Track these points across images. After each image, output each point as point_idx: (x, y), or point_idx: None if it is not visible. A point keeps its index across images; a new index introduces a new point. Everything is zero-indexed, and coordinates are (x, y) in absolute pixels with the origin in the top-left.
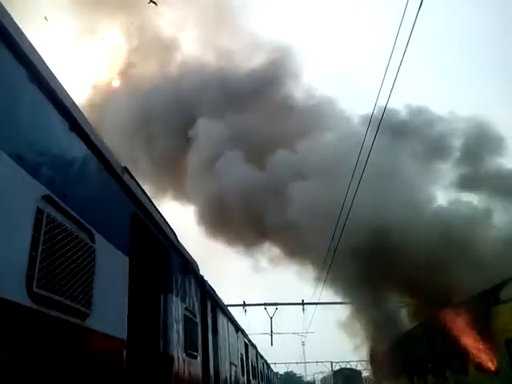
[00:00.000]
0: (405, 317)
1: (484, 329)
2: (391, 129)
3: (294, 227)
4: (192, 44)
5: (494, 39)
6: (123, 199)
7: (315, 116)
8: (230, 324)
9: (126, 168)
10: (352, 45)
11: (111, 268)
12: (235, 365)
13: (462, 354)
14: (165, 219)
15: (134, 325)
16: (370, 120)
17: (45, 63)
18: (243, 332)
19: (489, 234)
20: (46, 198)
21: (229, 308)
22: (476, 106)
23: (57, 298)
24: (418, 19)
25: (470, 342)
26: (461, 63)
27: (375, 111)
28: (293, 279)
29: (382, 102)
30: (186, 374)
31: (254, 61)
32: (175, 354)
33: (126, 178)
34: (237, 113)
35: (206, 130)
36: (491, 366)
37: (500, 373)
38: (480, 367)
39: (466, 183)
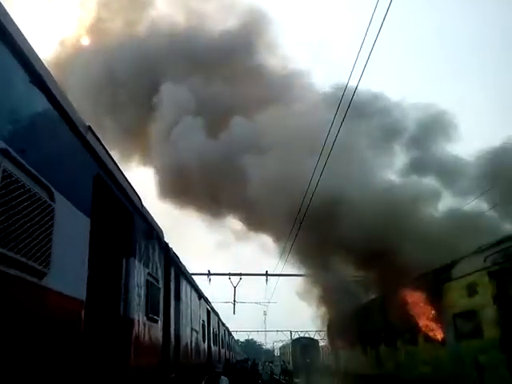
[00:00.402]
0: (359, 289)
1: (435, 303)
2: (356, 109)
3: (251, 201)
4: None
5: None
6: (86, 159)
7: (283, 87)
8: (193, 291)
9: (90, 127)
10: (329, 20)
11: (71, 228)
12: (196, 331)
13: (414, 327)
14: (129, 182)
15: (94, 287)
16: (340, 101)
17: (6, 13)
18: (206, 300)
19: (435, 214)
20: (2, 151)
21: (194, 277)
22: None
23: (12, 255)
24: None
25: (422, 315)
26: (437, 49)
27: (340, 91)
28: (257, 251)
29: (353, 83)
30: (146, 337)
31: (227, 24)
32: (136, 317)
33: (89, 137)
34: (203, 78)
35: (171, 95)
36: (439, 337)
37: (446, 344)
38: (429, 339)
39: (416, 167)
